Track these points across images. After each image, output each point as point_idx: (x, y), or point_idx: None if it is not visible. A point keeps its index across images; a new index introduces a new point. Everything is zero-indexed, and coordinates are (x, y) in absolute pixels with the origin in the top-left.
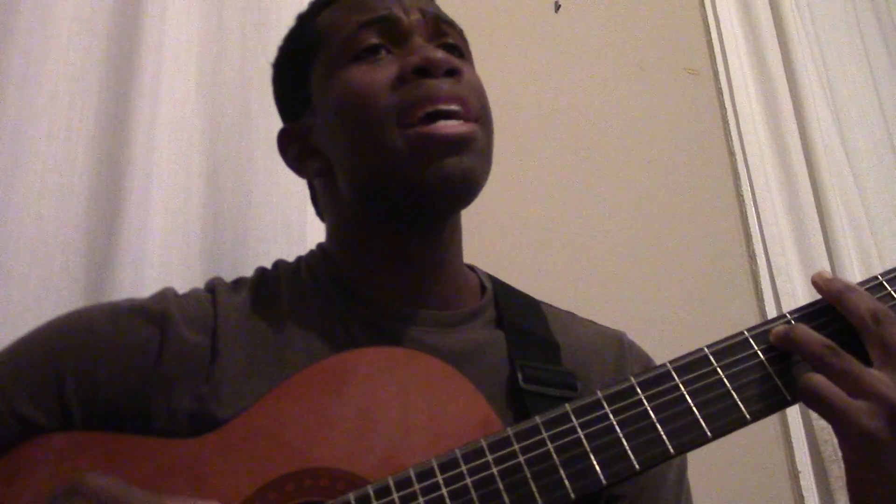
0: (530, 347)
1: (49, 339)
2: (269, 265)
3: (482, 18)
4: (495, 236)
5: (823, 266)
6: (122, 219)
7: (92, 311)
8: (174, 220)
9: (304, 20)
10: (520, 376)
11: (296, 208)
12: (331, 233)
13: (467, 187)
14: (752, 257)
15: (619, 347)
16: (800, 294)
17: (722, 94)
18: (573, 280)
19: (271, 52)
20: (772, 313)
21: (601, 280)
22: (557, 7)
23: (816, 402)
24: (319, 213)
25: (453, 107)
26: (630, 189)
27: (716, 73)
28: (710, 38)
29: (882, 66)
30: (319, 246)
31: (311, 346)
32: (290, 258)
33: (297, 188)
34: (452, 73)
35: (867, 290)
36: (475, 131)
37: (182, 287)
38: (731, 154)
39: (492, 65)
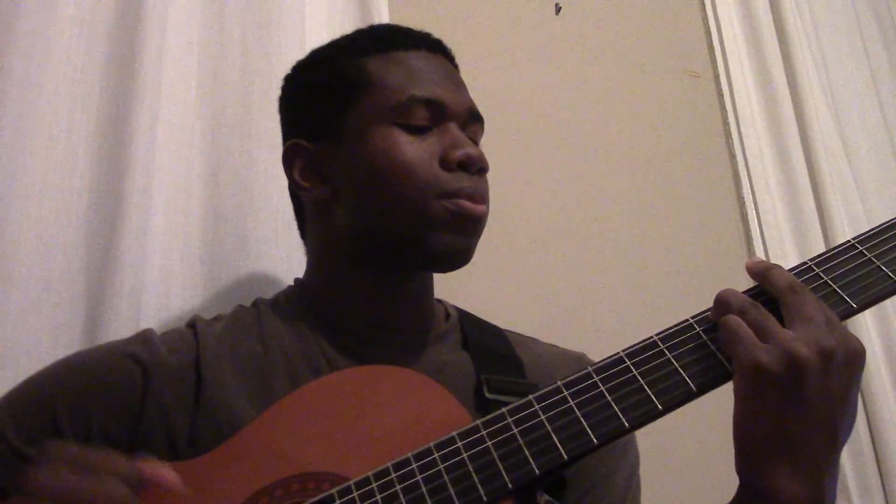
0: (495, 363)
1: (42, 384)
2: (269, 267)
3: (483, 20)
4: (495, 237)
5: None
6: (123, 220)
7: (80, 353)
8: (175, 221)
9: (349, 53)
10: (485, 388)
11: None
12: (313, 263)
13: (462, 264)
14: (752, 258)
15: (579, 366)
16: None
17: (722, 97)
18: (573, 280)
19: (272, 55)
20: None
21: (601, 280)
22: (558, 9)
23: (727, 335)
24: (302, 232)
25: (479, 206)
26: (631, 191)
27: (716, 76)
28: (711, 41)
29: (882, 67)
30: (297, 281)
31: (294, 371)
32: (291, 261)
33: None
34: (482, 171)
35: (797, 273)
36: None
37: (181, 286)
38: (732, 156)
39: (492, 66)
